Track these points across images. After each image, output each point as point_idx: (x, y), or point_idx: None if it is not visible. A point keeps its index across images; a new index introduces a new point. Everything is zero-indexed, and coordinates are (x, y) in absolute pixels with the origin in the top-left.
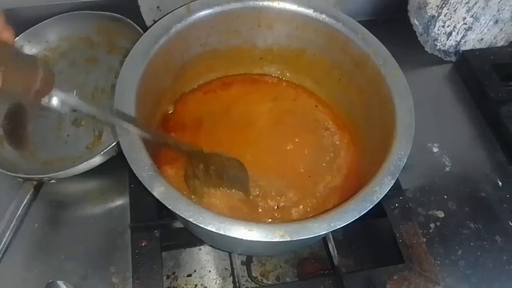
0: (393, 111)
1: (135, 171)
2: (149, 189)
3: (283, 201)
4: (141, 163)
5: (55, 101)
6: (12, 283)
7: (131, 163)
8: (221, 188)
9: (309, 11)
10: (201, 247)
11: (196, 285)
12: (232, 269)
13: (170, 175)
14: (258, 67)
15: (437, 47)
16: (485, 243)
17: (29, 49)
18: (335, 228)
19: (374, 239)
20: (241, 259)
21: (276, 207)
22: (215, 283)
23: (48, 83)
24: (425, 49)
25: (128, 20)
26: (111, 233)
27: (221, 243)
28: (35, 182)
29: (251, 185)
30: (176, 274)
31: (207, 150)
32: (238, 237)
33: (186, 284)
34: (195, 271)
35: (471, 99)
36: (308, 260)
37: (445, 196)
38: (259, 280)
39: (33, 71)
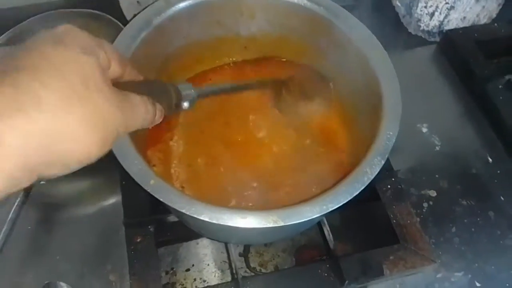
0: (379, 92)
1: (125, 167)
2: (140, 183)
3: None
4: (130, 158)
5: (186, 104)
6: (8, 287)
7: (120, 159)
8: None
9: None
10: (198, 241)
11: (195, 279)
12: (229, 259)
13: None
14: (243, 57)
15: (421, 28)
16: (478, 219)
17: None
18: (328, 211)
19: (370, 222)
20: (239, 251)
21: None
22: (214, 276)
23: (179, 95)
24: (409, 30)
25: (108, 16)
26: (106, 231)
27: (216, 234)
28: None
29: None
30: (174, 269)
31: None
32: (231, 225)
33: (185, 279)
34: (193, 265)
35: (457, 78)
36: (305, 248)
37: (437, 175)
38: (258, 270)
39: (168, 91)
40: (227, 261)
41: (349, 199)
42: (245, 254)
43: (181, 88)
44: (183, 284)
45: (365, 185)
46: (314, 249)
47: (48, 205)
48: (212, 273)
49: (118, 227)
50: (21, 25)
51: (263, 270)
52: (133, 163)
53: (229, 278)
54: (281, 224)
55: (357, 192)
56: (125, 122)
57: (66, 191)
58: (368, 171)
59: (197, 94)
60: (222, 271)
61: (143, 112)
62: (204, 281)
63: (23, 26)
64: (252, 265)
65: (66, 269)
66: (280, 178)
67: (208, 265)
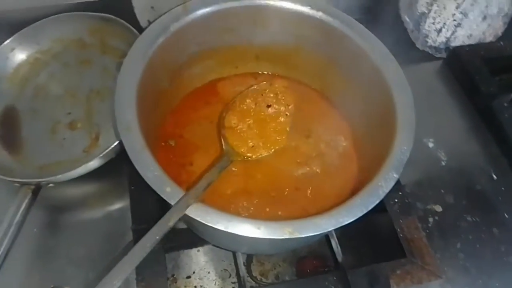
0: (393, 106)
1: (140, 172)
2: (155, 189)
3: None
4: (145, 163)
5: None
6: None
7: (135, 164)
8: None
9: (306, 9)
10: (200, 248)
11: (195, 286)
12: (237, 268)
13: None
14: (254, 66)
15: (428, 44)
16: (483, 235)
17: (21, 52)
18: (343, 224)
19: (373, 235)
20: (243, 260)
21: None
22: (215, 284)
23: None
24: (417, 45)
25: (121, 20)
26: (112, 236)
27: (226, 242)
28: (32, 187)
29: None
30: (175, 276)
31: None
32: (247, 235)
33: (185, 286)
34: (194, 272)
35: (463, 94)
36: (306, 258)
37: (442, 190)
38: (258, 279)
39: None
40: (228, 269)
41: (365, 212)
42: (248, 263)
43: None
44: None
45: (380, 199)
46: (315, 260)
47: (55, 208)
48: (212, 281)
49: (125, 232)
50: (34, 25)
51: (263, 280)
52: (148, 169)
53: (229, 287)
54: (297, 235)
55: (373, 206)
56: None
57: (73, 195)
58: (382, 185)
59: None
60: (223, 279)
61: None
62: None
63: (37, 26)
64: (253, 274)
65: (72, 274)
66: (290, 190)
67: (209, 272)
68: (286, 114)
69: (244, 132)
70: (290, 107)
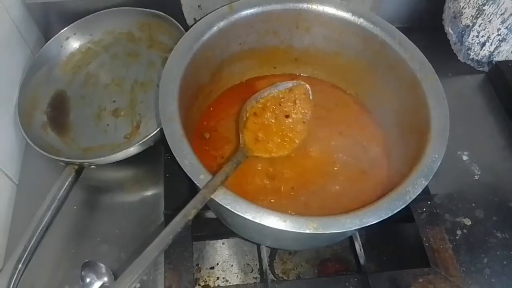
0: (428, 114)
1: (177, 159)
2: (190, 176)
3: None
4: (183, 152)
5: None
6: (50, 261)
7: (174, 151)
8: None
9: (348, 15)
10: (225, 241)
11: (218, 278)
12: (260, 261)
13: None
14: (293, 68)
15: (470, 57)
16: (511, 253)
17: (75, 41)
18: (367, 225)
19: (396, 244)
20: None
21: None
22: (237, 277)
23: None
24: (458, 58)
25: (169, 17)
26: (145, 219)
27: (252, 233)
28: (76, 167)
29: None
30: (199, 265)
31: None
32: (273, 226)
33: (208, 276)
34: (217, 264)
35: (503, 110)
36: (329, 261)
37: (473, 204)
38: (280, 277)
39: None
40: (250, 264)
41: (390, 215)
42: (270, 260)
43: None
44: (206, 281)
45: (407, 204)
46: (338, 263)
47: (95, 189)
48: (235, 274)
49: (156, 217)
50: (88, 17)
51: (285, 278)
52: (185, 157)
53: (251, 281)
54: (321, 231)
55: (398, 210)
56: None
57: (112, 178)
58: (410, 190)
59: None
60: (245, 273)
61: None
62: (227, 281)
63: (91, 18)
64: (275, 271)
65: (105, 252)
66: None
67: (232, 266)
68: (303, 122)
69: (261, 130)
70: (308, 114)
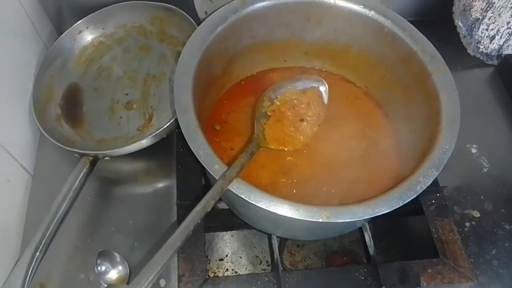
0: (438, 107)
1: (192, 149)
2: (205, 166)
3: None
4: (198, 142)
5: None
6: (66, 250)
7: (189, 142)
8: None
9: (359, 7)
10: (234, 233)
11: (227, 269)
12: (271, 251)
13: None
14: (303, 61)
15: (480, 50)
16: None
17: (87, 35)
18: (379, 214)
19: (403, 237)
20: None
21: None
22: (246, 268)
23: None
24: (468, 51)
25: (181, 11)
26: (158, 210)
27: (264, 223)
28: (91, 158)
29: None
30: (209, 257)
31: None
32: (286, 215)
33: (218, 268)
34: (227, 256)
35: None
36: (337, 254)
37: (482, 197)
38: (288, 269)
39: None
40: (259, 256)
41: (401, 205)
42: (279, 251)
43: None
44: (215, 272)
45: (418, 194)
46: (346, 256)
47: (109, 180)
48: (243, 266)
49: (169, 208)
50: (101, 10)
51: (293, 269)
52: (200, 147)
53: (260, 273)
54: (333, 220)
55: (409, 200)
56: None
57: (126, 169)
58: (421, 181)
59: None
60: (254, 265)
61: None
62: (236, 272)
63: (103, 12)
64: (284, 263)
65: (119, 241)
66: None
67: (241, 257)
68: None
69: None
70: (321, 116)
